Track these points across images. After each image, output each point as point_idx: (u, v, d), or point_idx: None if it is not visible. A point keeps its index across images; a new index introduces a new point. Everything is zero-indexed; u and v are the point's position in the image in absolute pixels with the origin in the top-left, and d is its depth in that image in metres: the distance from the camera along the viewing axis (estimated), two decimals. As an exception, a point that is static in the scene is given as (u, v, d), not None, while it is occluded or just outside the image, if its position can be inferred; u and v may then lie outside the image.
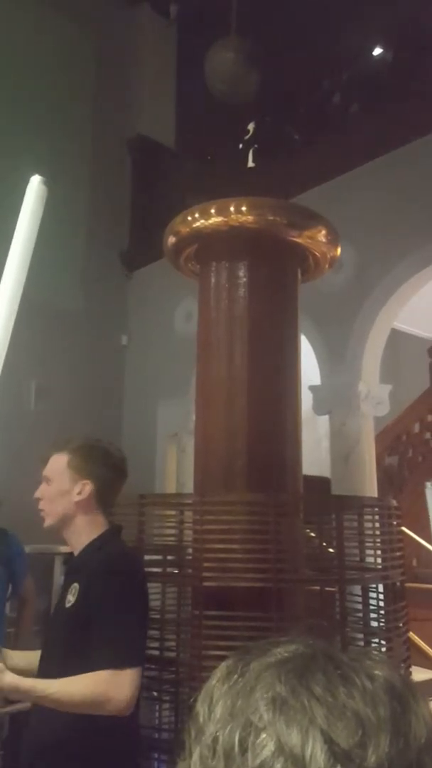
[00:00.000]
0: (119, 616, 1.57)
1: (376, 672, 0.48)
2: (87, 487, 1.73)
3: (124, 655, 1.52)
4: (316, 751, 0.43)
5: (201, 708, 0.49)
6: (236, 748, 0.45)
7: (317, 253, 2.59)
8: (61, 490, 1.72)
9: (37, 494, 1.77)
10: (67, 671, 1.50)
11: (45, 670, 1.62)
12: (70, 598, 1.65)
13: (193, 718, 0.50)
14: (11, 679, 1.45)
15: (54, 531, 1.77)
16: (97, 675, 1.48)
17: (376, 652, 0.53)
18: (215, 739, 0.46)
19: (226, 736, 0.46)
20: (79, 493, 1.73)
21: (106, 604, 1.57)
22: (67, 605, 1.65)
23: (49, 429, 5.34)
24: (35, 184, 0.84)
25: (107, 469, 1.78)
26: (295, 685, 0.46)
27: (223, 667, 0.51)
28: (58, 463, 1.75)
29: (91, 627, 1.55)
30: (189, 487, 4.29)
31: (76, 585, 1.66)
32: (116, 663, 1.50)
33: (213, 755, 0.46)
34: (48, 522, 1.75)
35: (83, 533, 1.73)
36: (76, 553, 1.77)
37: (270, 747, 0.43)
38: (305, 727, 0.44)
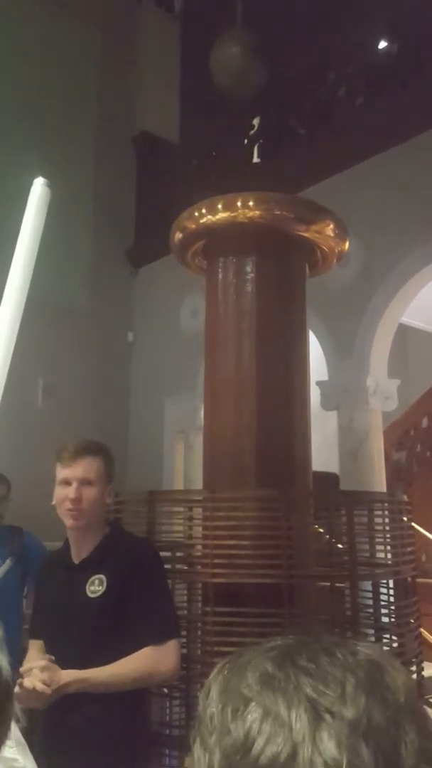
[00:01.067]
0: (159, 594, 1.79)
1: (358, 648, 0.52)
2: (112, 491, 1.90)
3: (164, 629, 1.73)
4: (300, 712, 0.46)
5: (201, 699, 0.53)
6: (229, 718, 0.48)
7: (325, 248, 2.57)
8: (101, 493, 1.83)
9: (76, 495, 1.79)
10: (108, 653, 1.67)
11: (74, 657, 1.69)
12: (96, 589, 1.77)
13: (197, 715, 0.53)
14: (74, 673, 1.64)
15: (77, 530, 1.84)
16: (142, 654, 1.68)
17: (367, 642, 0.55)
18: (211, 717, 0.50)
19: (220, 711, 0.49)
20: (108, 497, 1.87)
21: (146, 586, 1.76)
22: (92, 595, 1.77)
23: (56, 426, 5.35)
24: (38, 187, 0.83)
25: (115, 472, 1.93)
26: (282, 662, 0.50)
27: (222, 664, 0.54)
28: (97, 467, 1.83)
29: (128, 610, 1.72)
30: (196, 484, 4.29)
31: (101, 576, 1.77)
32: (157, 638, 1.71)
33: (211, 733, 0.49)
34: (80, 522, 1.80)
35: (99, 530, 1.86)
36: (86, 548, 1.84)
37: (258, 712, 0.47)
38: (290, 693, 0.47)
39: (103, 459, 1.85)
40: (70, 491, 1.78)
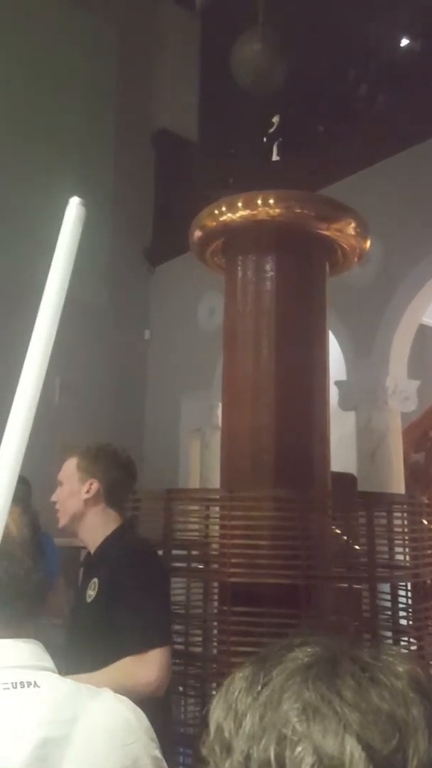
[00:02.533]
0: (139, 602, 1.66)
1: (400, 669, 0.48)
2: (93, 486, 1.83)
3: (146, 638, 1.62)
4: (355, 758, 0.42)
5: (226, 723, 0.47)
6: (273, 764, 0.43)
7: (346, 246, 2.55)
8: (71, 490, 1.84)
9: (53, 497, 1.89)
10: (99, 664, 1.57)
11: (75, 666, 1.64)
12: (91, 593, 1.74)
13: (216, 732, 0.48)
14: None
15: (69, 531, 1.88)
16: (121, 663, 1.58)
17: (391, 647, 0.52)
18: (248, 756, 0.45)
19: (261, 752, 0.44)
20: (87, 492, 1.83)
21: (126, 593, 1.67)
22: (89, 600, 1.73)
23: (73, 424, 5.37)
24: (74, 206, 0.83)
25: (113, 468, 1.88)
26: (324, 692, 0.45)
27: (242, 678, 0.49)
28: (69, 467, 1.87)
29: (117, 616, 1.64)
30: (212, 482, 4.27)
31: (95, 580, 1.74)
32: (138, 648, 1.60)
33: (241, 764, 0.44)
34: (62, 522, 1.86)
35: (98, 530, 1.83)
36: (92, 550, 1.86)
37: (308, 760, 0.42)
38: (341, 735, 0.43)
39: (77, 456, 1.87)
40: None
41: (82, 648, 1.70)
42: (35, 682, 0.83)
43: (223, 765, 0.46)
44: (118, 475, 1.88)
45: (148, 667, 1.59)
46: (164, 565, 1.92)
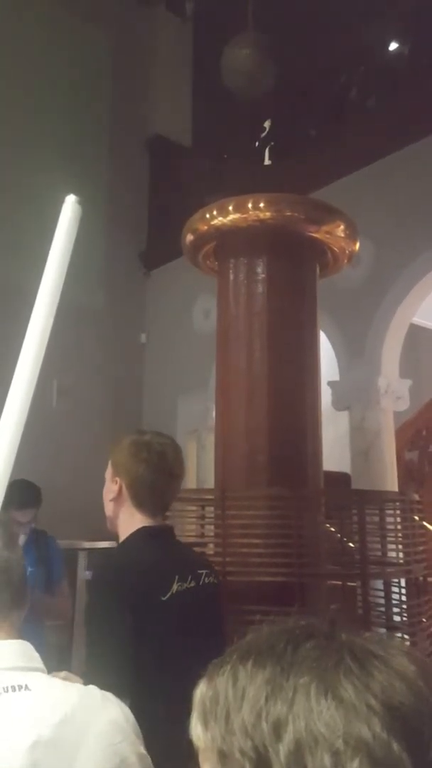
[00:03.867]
0: (93, 646, 1.41)
1: (393, 659, 0.49)
2: (116, 485, 1.61)
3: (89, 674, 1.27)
4: (403, 760, 0.44)
5: (257, 734, 0.46)
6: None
7: (336, 248, 2.59)
8: (105, 489, 1.63)
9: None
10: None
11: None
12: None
13: (241, 742, 0.47)
14: None
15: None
16: None
17: (395, 641, 0.54)
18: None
19: (317, 764, 0.44)
20: (112, 491, 1.61)
21: (87, 628, 1.44)
22: None
23: (70, 427, 5.40)
24: (70, 204, 0.85)
25: (138, 463, 1.59)
26: (360, 691, 0.46)
27: (263, 682, 0.48)
28: (109, 464, 1.66)
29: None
30: (209, 483, 4.30)
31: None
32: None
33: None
34: (108, 524, 1.64)
35: (122, 534, 1.59)
36: None
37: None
38: (386, 736, 0.44)
39: (111, 452, 1.67)
40: None
41: None
42: (26, 685, 0.84)
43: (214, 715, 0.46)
44: (143, 472, 1.58)
45: None
46: (130, 596, 1.41)
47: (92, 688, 0.92)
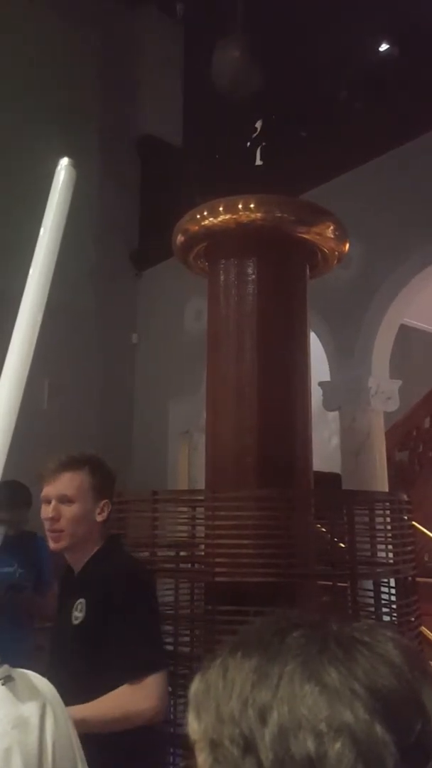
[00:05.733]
0: (132, 626, 1.57)
1: (391, 644, 0.50)
2: (107, 507, 1.71)
3: (141, 664, 1.55)
4: (386, 741, 0.44)
5: (244, 720, 0.47)
6: (314, 761, 0.45)
7: (326, 249, 2.60)
8: (85, 511, 1.67)
9: (53, 514, 1.66)
10: (90, 688, 1.50)
11: (61, 690, 1.59)
12: (77, 615, 1.63)
13: (227, 730, 0.48)
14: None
15: (58, 551, 1.71)
16: (119, 693, 1.51)
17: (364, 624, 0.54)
18: (280, 756, 0.45)
19: (298, 749, 0.45)
20: (101, 514, 1.70)
21: (119, 616, 1.57)
22: (75, 622, 1.63)
23: (61, 428, 5.38)
24: (64, 166, 0.82)
25: (113, 486, 1.78)
26: (345, 677, 0.47)
27: (249, 670, 0.49)
28: (79, 483, 1.68)
29: (106, 640, 1.55)
30: (201, 484, 4.30)
31: (82, 601, 1.64)
32: (134, 675, 1.53)
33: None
34: (63, 543, 1.68)
35: (90, 550, 1.70)
36: (77, 568, 1.74)
37: (349, 755, 0.44)
38: (369, 720, 0.45)
39: (89, 473, 1.69)
40: (48, 510, 1.66)
41: (67, 672, 1.54)
42: None
43: (243, 765, 0.46)
44: (113, 491, 1.78)
45: (146, 693, 1.52)
46: (154, 584, 1.77)
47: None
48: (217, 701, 0.49)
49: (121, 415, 6.10)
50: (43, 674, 0.95)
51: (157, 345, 6.17)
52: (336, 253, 2.62)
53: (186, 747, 2.28)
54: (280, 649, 0.50)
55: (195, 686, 0.53)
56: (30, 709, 0.84)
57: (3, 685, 0.84)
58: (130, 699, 1.52)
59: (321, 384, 4.56)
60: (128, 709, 1.51)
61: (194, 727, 0.51)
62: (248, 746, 0.46)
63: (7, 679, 0.85)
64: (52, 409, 5.44)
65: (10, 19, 5.53)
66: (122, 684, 1.52)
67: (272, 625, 0.53)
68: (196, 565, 2.37)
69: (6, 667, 0.86)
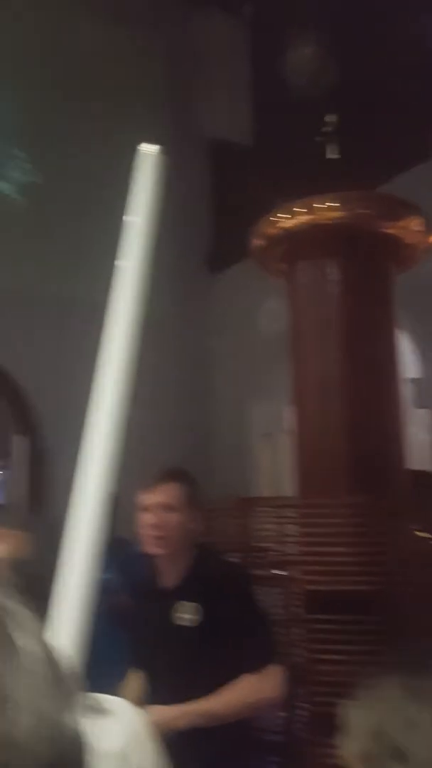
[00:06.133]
0: (250, 621, 1.72)
1: None
2: (200, 518, 1.81)
3: (262, 656, 1.69)
4: None
5: (398, 733, 0.52)
6: None
7: (411, 243, 2.50)
8: (184, 520, 1.74)
9: (158, 521, 1.73)
10: (204, 685, 1.62)
11: (169, 690, 1.66)
12: (188, 617, 1.70)
13: (378, 740, 0.52)
14: (182, 709, 1.58)
15: (161, 556, 1.77)
16: (246, 683, 1.64)
17: None
18: None
19: None
20: (197, 522, 1.79)
21: (238, 615, 1.70)
22: (186, 624, 1.70)
23: (143, 437, 5.45)
24: (146, 157, 0.77)
25: (202, 497, 1.87)
26: None
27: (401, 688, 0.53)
28: (180, 494, 1.76)
29: (222, 639, 1.65)
30: (284, 488, 4.25)
31: (193, 604, 1.70)
32: (256, 666, 1.66)
33: None
34: (166, 549, 1.74)
35: (186, 557, 1.77)
36: (170, 574, 1.78)
37: None
38: None
39: (188, 484, 1.79)
40: (151, 517, 1.74)
41: (180, 674, 1.68)
42: None
43: None
44: None
45: (271, 682, 1.68)
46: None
47: None
48: (369, 719, 0.53)
49: (201, 420, 6.13)
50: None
51: (235, 348, 6.16)
52: (422, 246, 2.51)
53: (282, 754, 2.25)
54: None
55: (347, 708, 0.57)
56: (121, 741, 0.84)
57: (95, 717, 0.82)
58: (257, 688, 1.66)
59: (411, 381, 4.40)
60: (257, 697, 1.68)
61: (348, 746, 0.56)
62: (398, 756, 0.51)
63: (99, 711, 0.84)
64: (133, 419, 5.52)
65: (68, 29, 5.71)
66: (242, 675, 1.64)
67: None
68: (291, 573, 2.33)
69: (96, 696, 0.85)
